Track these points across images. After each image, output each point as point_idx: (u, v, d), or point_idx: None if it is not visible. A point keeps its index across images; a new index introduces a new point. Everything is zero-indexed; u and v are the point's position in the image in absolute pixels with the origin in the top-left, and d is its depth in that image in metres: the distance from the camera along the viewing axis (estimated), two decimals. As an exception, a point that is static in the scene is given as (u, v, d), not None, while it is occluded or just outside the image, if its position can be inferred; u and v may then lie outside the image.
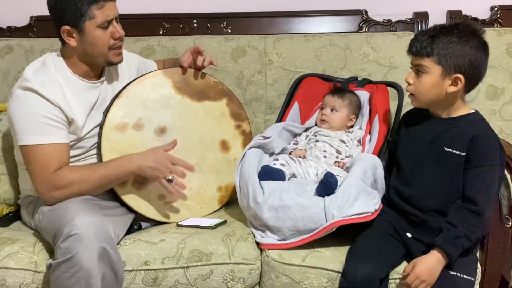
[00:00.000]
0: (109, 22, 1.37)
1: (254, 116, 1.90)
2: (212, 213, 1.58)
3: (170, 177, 1.41)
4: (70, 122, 1.39)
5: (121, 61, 1.45)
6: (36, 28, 2.02)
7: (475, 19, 1.93)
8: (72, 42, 1.37)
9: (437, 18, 1.94)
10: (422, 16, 1.95)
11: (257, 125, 1.90)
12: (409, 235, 1.32)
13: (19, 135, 1.34)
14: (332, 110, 1.62)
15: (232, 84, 1.87)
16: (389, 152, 1.47)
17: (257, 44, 1.92)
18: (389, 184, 1.39)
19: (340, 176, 1.38)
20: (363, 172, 1.32)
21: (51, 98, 1.34)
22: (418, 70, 1.28)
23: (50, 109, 1.34)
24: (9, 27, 2.03)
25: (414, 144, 1.33)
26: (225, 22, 2.00)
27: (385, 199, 1.39)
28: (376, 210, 1.31)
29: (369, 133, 1.61)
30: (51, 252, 1.35)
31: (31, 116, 1.33)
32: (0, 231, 1.44)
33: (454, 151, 1.25)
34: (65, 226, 1.22)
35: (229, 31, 1.99)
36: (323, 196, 1.32)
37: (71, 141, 1.40)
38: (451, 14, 1.93)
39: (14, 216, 1.56)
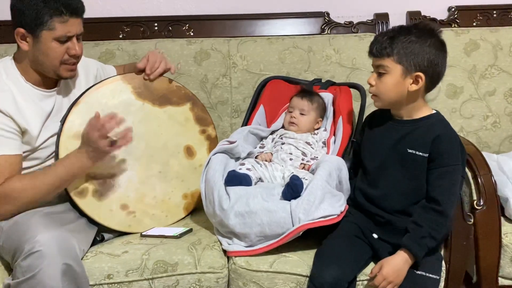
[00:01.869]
0: (69, 37, 1.31)
1: (220, 120, 1.87)
2: (177, 221, 1.55)
3: (113, 138, 1.30)
4: (23, 132, 1.32)
5: (72, 76, 1.40)
6: (-7, 32, 1.92)
7: (434, 19, 1.97)
8: (24, 45, 1.32)
9: (397, 19, 1.96)
10: (382, 17, 1.97)
11: (223, 129, 1.87)
12: (375, 236, 1.33)
13: (-33, 146, 1.27)
14: (301, 113, 1.61)
15: (196, 87, 1.84)
16: (354, 153, 1.48)
17: (221, 47, 1.89)
18: (354, 186, 1.40)
19: (306, 179, 1.37)
20: (328, 174, 1.32)
21: (2, 108, 1.28)
22: (379, 72, 1.29)
23: (2, 119, 1.28)
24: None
25: (378, 145, 1.34)
26: (187, 25, 1.96)
27: (351, 200, 1.39)
28: (342, 212, 1.31)
29: (334, 134, 1.62)
30: (8, 270, 1.29)
31: (-19, 126, 1.26)
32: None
33: (417, 153, 1.26)
34: (26, 243, 1.16)
35: (192, 34, 1.96)
36: (290, 200, 1.30)
37: (24, 152, 1.34)
38: (411, 14, 1.97)
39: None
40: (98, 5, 1.97)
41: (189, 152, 1.58)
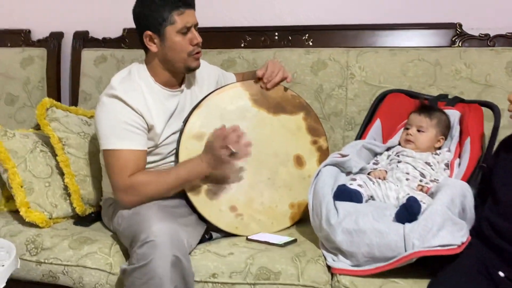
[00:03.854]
0: (188, 28, 1.41)
1: (332, 132, 1.83)
2: (282, 230, 1.54)
3: (233, 150, 1.35)
4: (149, 128, 1.43)
5: (198, 66, 1.48)
6: (128, 39, 2.13)
7: None
8: (153, 47, 1.43)
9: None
10: (526, 30, 1.75)
11: (335, 141, 1.82)
12: (501, 274, 1.17)
13: (102, 139, 1.41)
14: (418, 130, 1.50)
15: (310, 97, 1.83)
16: (482, 180, 1.32)
17: (339, 57, 1.85)
18: (480, 215, 1.25)
19: (424, 202, 1.26)
20: (450, 200, 1.20)
21: (134, 106, 1.40)
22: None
23: (132, 116, 1.40)
24: (104, 38, 2.17)
25: (514, 173, 1.18)
26: (307, 35, 1.95)
27: (475, 231, 1.24)
28: (463, 243, 1.18)
29: (459, 156, 1.47)
30: (125, 255, 1.40)
31: (114, 122, 1.39)
32: (81, 231, 1.52)
33: None
34: (142, 232, 1.25)
35: (311, 44, 1.95)
36: (403, 223, 1.21)
37: (149, 148, 1.44)
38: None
39: (95, 216, 1.64)
40: (223, 14, 2.06)
41: (299, 161, 1.56)
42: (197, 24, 1.45)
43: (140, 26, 1.44)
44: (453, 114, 1.57)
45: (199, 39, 1.43)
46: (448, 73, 1.74)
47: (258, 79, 1.53)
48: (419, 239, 1.16)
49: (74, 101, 2.16)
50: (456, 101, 1.63)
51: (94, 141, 1.68)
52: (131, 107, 1.39)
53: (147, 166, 1.45)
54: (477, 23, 1.81)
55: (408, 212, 1.20)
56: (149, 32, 1.42)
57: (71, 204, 1.61)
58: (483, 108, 1.55)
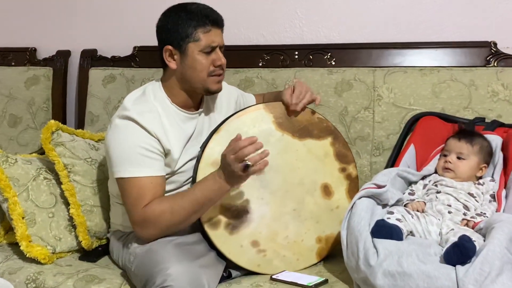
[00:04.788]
0: (213, 48, 1.31)
1: (358, 157, 1.69)
2: (309, 267, 1.40)
3: (247, 163, 1.21)
4: (166, 153, 1.31)
5: (219, 89, 1.37)
6: (139, 58, 2.03)
7: None
8: (172, 64, 1.33)
9: None
10: None
11: (361, 168, 1.69)
12: None
13: (115, 166, 1.29)
14: (458, 157, 1.37)
15: (334, 120, 1.70)
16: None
17: (365, 78, 1.73)
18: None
19: (474, 241, 1.12)
20: (508, 239, 1.06)
21: (150, 128, 1.28)
22: None
23: (148, 139, 1.28)
24: (113, 57, 2.07)
25: None
26: (329, 54, 1.84)
27: (534, 275, 1.10)
28: (525, 290, 1.03)
29: (505, 187, 1.34)
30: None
31: (129, 146, 1.28)
32: (87, 267, 1.39)
33: None
34: (158, 275, 1.12)
35: (333, 63, 1.83)
36: (454, 265, 1.07)
37: (165, 175, 1.32)
38: None
39: (103, 250, 1.50)
40: (240, 32, 1.96)
41: (326, 191, 1.43)
42: (223, 45, 1.34)
43: (161, 40, 1.34)
44: (494, 140, 1.44)
45: (223, 60, 1.33)
46: (484, 95, 1.61)
47: (285, 103, 1.40)
48: (475, 285, 1.02)
49: (80, 123, 2.06)
50: (496, 126, 1.51)
51: (102, 167, 1.55)
52: (147, 130, 1.27)
53: (161, 196, 1.32)
54: (513, 42, 1.69)
55: (462, 253, 1.05)
56: (169, 47, 1.31)
57: (76, 237, 1.48)
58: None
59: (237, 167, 1.21)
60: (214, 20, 1.31)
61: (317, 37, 1.89)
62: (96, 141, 1.65)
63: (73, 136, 1.58)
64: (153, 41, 1.89)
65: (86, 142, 1.61)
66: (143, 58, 2.00)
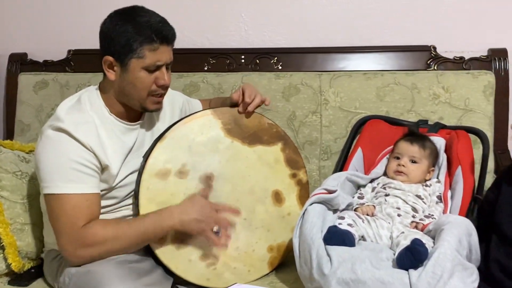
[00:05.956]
0: (158, 67, 1.21)
1: (307, 162, 1.67)
2: (261, 277, 1.35)
3: (215, 229, 1.22)
4: (103, 168, 1.21)
5: (158, 110, 1.29)
6: (74, 62, 1.90)
7: None
8: (111, 75, 1.22)
9: (517, 55, 1.71)
10: (499, 53, 1.71)
11: (310, 172, 1.68)
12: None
13: (45, 181, 1.17)
14: (411, 161, 1.38)
15: (283, 125, 1.67)
16: (481, 214, 1.21)
17: (311, 82, 1.73)
18: (485, 255, 1.13)
19: (425, 243, 1.12)
20: (457, 241, 1.07)
21: (85, 141, 1.17)
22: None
23: (83, 153, 1.17)
24: (45, 61, 1.93)
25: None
26: (276, 58, 1.82)
27: (481, 274, 1.12)
28: (475, 290, 1.05)
29: (450, 187, 1.36)
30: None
31: (61, 160, 1.16)
32: (18, 293, 1.25)
33: None
34: None
35: (280, 67, 1.81)
36: (407, 269, 1.06)
37: (101, 190, 1.22)
38: (533, 50, 1.70)
39: (36, 272, 1.36)
40: (184, 36, 1.89)
41: (277, 198, 1.39)
42: (170, 62, 1.24)
43: (102, 47, 1.22)
44: (438, 142, 1.47)
45: (167, 81, 1.23)
46: (426, 98, 1.66)
47: (233, 105, 1.35)
48: (428, 288, 1.02)
49: (9, 133, 1.89)
50: (438, 127, 1.54)
51: (33, 181, 1.42)
52: (82, 143, 1.17)
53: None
54: (451, 46, 1.75)
55: (414, 256, 1.05)
56: (110, 58, 1.20)
57: (5, 259, 1.34)
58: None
59: (208, 224, 1.22)
60: (164, 37, 1.19)
61: (263, 41, 1.87)
62: (27, 153, 1.51)
63: (0, 147, 1.43)
64: (90, 44, 1.77)
65: (15, 154, 1.47)
66: (78, 62, 1.88)
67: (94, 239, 1.14)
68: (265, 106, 1.68)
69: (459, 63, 1.73)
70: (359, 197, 1.39)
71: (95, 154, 1.18)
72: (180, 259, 1.26)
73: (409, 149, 1.39)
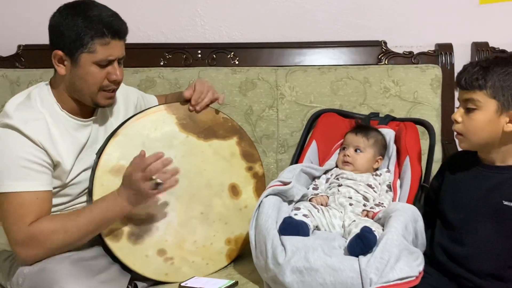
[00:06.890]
0: (110, 61, 1.19)
1: (264, 156, 1.71)
2: (219, 270, 1.37)
3: (157, 181, 1.16)
4: (55, 165, 1.19)
5: (109, 105, 1.28)
6: (24, 57, 1.85)
7: (503, 51, 1.78)
8: (61, 69, 1.20)
9: (462, 50, 1.79)
10: (446, 48, 1.80)
11: (268, 166, 1.70)
12: (458, 300, 1.11)
13: (-7, 180, 1.14)
14: (356, 150, 1.44)
15: (240, 119, 1.70)
16: (427, 201, 1.28)
17: (268, 77, 1.75)
18: (430, 240, 1.19)
19: (374, 231, 1.17)
20: (404, 227, 1.12)
21: (35, 138, 1.15)
22: (467, 108, 1.11)
23: (33, 150, 1.15)
24: (-6, 56, 1.86)
25: (463, 195, 1.15)
26: (232, 53, 1.83)
27: (427, 258, 1.18)
28: (420, 273, 1.11)
29: (399, 177, 1.42)
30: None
31: (10, 158, 1.14)
32: (-33, 296, 1.21)
33: (516, 206, 1.06)
34: None
35: (237, 62, 1.83)
36: (357, 255, 1.11)
37: (54, 188, 1.20)
38: (477, 46, 1.79)
39: (-14, 275, 1.32)
40: (139, 30, 1.87)
41: (234, 191, 1.41)
42: (123, 57, 1.23)
43: (52, 41, 1.20)
44: (388, 133, 1.53)
45: (119, 76, 1.21)
46: (377, 91, 1.72)
47: (185, 101, 1.36)
48: (376, 273, 1.06)
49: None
50: (388, 120, 1.60)
51: (-18, 180, 1.37)
52: (32, 139, 1.14)
53: (52, 210, 1.20)
54: (401, 41, 1.82)
55: (364, 244, 1.09)
56: (60, 52, 1.18)
57: (-48, 262, 1.28)
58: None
59: (146, 186, 1.15)
60: (115, 31, 1.18)
61: (220, 36, 1.88)
62: (-25, 152, 1.45)
63: None
64: (41, 39, 1.71)
65: (-38, 153, 1.41)
66: (29, 57, 1.83)
67: (43, 234, 1.12)
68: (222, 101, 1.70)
69: (408, 58, 1.80)
70: (314, 188, 1.43)
71: (45, 151, 1.16)
72: (137, 255, 1.26)
73: (354, 139, 1.44)
